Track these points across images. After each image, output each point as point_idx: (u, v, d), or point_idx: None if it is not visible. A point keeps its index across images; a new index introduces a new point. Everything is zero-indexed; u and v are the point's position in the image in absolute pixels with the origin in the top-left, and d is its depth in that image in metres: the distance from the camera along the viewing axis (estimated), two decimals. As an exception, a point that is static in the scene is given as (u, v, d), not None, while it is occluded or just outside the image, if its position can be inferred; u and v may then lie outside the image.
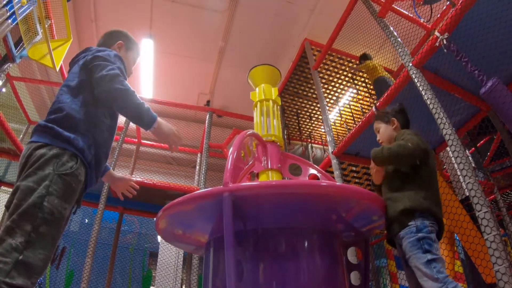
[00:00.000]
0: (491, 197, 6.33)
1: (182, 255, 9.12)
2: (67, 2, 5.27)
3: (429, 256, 2.00)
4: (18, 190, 1.59)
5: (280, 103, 3.39)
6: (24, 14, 4.35)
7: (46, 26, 5.16)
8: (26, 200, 1.54)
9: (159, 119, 2.03)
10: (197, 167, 7.36)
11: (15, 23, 4.15)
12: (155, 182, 5.73)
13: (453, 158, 2.99)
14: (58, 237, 1.65)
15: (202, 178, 5.92)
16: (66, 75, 6.24)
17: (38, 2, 4.35)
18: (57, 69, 5.40)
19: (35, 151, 1.71)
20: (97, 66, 1.97)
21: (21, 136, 6.24)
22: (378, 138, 2.74)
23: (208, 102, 10.21)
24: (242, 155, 2.64)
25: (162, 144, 7.35)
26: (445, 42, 3.23)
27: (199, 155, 7.50)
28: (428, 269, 1.97)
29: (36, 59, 4.98)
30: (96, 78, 1.93)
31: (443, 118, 3.13)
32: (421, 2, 4.83)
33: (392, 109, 2.72)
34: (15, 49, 4.50)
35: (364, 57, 6.08)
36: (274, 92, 3.35)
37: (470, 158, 6.79)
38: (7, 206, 1.65)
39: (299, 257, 2.13)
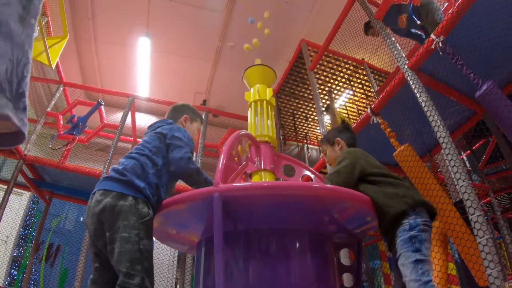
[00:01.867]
0: (486, 200, 6.35)
1: (177, 254, 9.11)
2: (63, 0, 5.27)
3: (418, 256, 1.98)
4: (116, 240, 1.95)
5: (274, 104, 3.38)
6: (20, 11, 4.31)
7: (43, 23, 5.15)
8: (126, 248, 1.92)
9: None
10: (192, 167, 7.33)
11: (11, 20, 4.12)
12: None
13: (447, 161, 2.98)
14: (153, 264, 2.05)
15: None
16: (62, 73, 6.30)
17: (34, -1, 4.32)
18: (53, 66, 5.39)
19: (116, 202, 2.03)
20: (175, 146, 2.39)
21: (16, 133, 6.20)
22: (326, 161, 2.85)
23: (204, 101, 10.21)
24: (234, 155, 2.63)
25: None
26: (440, 44, 3.23)
27: (194, 154, 7.48)
28: (413, 269, 1.95)
29: (33, 57, 4.95)
30: (175, 158, 2.33)
31: (438, 120, 3.13)
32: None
33: (335, 130, 2.80)
34: (11, 46, 4.46)
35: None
36: (268, 92, 3.33)
37: (466, 161, 6.82)
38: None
39: (289, 258, 2.12)
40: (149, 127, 2.70)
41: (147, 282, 1.91)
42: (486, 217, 6.43)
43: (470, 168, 6.83)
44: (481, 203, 6.08)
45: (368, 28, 5.52)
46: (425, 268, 1.94)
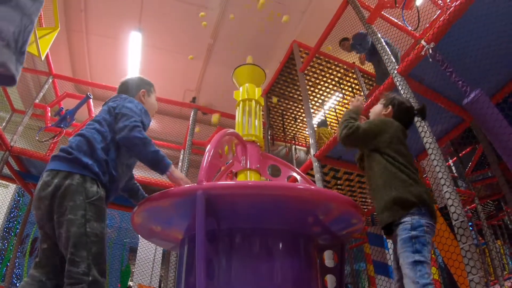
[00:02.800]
0: (472, 206, 6.41)
1: (161, 251, 9.08)
2: (57, -10, 5.22)
3: (417, 257, 1.93)
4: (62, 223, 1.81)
5: (263, 104, 3.38)
6: (12, 0, 4.28)
7: (35, 13, 5.09)
8: (71, 231, 1.79)
9: (172, 166, 2.28)
10: (180, 164, 7.33)
11: (1, 8, 4.08)
12: (137, 176, 5.67)
13: (433, 167, 3.00)
14: (106, 250, 1.89)
15: (184, 175, 5.88)
16: (51, 64, 6.24)
17: (26, -12, 4.28)
18: (43, 57, 5.33)
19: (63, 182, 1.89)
20: (122, 115, 2.21)
21: (4, 124, 6.15)
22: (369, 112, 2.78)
23: (194, 99, 10.18)
24: (220, 154, 2.62)
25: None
26: (431, 51, 3.25)
27: (182, 151, 7.46)
28: (411, 270, 1.91)
29: (24, 44, 4.90)
30: (119, 127, 2.15)
31: (425, 126, 3.15)
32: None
33: (398, 101, 2.64)
34: (2, 35, 4.42)
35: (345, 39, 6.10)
36: (257, 92, 3.33)
37: (452, 167, 6.88)
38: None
39: (271, 258, 2.13)
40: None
41: (94, 270, 1.75)
42: (470, 223, 6.53)
43: (456, 175, 6.89)
44: (466, 209, 6.15)
45: (342, 41, 5.72)
46: (424, 271, 1.89)
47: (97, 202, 1.91)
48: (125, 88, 2.66)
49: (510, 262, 9.11)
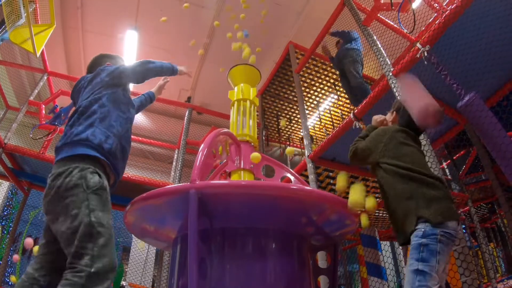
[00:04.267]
0: (465, 209, 6.42)
1: (155, 251, 9.06)
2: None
3: (420, 266, 1.82)
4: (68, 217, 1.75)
5: (257, 104, 3.38)
6: (8, -4, 4.28)
7: (30, 10, 5.08)
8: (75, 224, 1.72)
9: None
10: (174, 163, 7.33)
11: (-1, 4, 4.09)
12: (130, 175, 5.66)
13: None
14: (113, 241, 1.81)
15: (178, 174, 5.89)
16: (47, 61, 6.21)
17: (23, -16, 4.29)
18: (38, 54, 5.30)
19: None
20: (115, 69, 2.41)
21: (-2, 120, 6.13)
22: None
23: (189, 98, 10.16)
24: (214, 153, 2.62)
25: (139, 138, 7.35)
26: (426, 54, 3.26)
27: (176, 151, 7.46)
28: (411, 279, 1.82)
29: (18, 43, 4.90)
30: (121, 72, 2.41)
31: (419, 128, 3.15)
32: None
33: (402, 105, 2.57)
34: (-3, 31, 4.43)
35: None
36: (252, 92, 3.33)
37: (446, 170, 6.90)
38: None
39: (264, 258, 2.13)
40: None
41: (99, 263, 1.64)
42: (464, 226, 6.55)
43: (450, 177, 6.91)
44: (460, 211, 6.16)
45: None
46: (423, 282, 1.79)
47: (99, 192, 1.85)
48: (94, 65, 2.73)
49: (503, 265, 9.15)
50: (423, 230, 1.91)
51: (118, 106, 2.25)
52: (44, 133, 5.76)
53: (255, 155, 2.73)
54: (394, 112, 2.61)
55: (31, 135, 5.57)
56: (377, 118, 2.68)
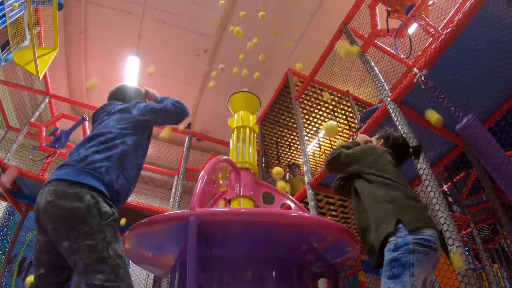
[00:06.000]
0: (467, 231, 6.38)
1: (152, 277, 8.95)
2: (58, 11, 5.28)
3: (391, 285, 1.69)
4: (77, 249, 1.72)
5: (257, 131, 3.39)
6: (14, 18, 4.36)
7: (35, 32, 5.17)
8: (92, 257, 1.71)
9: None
10: (173, 189, 7.32)
11: (4, 25, 4.15)
12: (129, 201, 5.65)
13: (427, 193, 3.00)
14: (128, 267, 1.83)
15: (177, 201, 5.87)
16: (49, 84, 6.27)
17: (29, 7, 4.36)
18: (41, 77, 5.36)
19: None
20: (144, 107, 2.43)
21: (-1, 140, 6.16)
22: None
23: (189, 125, 10.19)
24: (214, 180, 2.62)
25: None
26: (423, 78, 3.29)
27: (176, 177, 7.46)
28: None
29: (21, 65, 4.97)
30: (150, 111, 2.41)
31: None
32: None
33: (394, 136, 2.58)
34: (1, 51, 4.48)
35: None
36: (252, 119, 3.35)
37: (447, 192, 6.87)
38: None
39: (264, 286, 2.11)
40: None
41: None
42: (466, 248, 6.49)
43: (451, 200, 6.89)
44: (462, 234, 6.12)
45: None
46: None
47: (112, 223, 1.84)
48: (122, 94, 2.82)
49: (507, 285, 9.03)
50: (394, 242, 1.79)
51: (136, 150, 2.24)
52: (44, 155, 5.78)
53: (278, 170, 2.74)
54: (382, 140, 2.59)
55: (30, 157, 5.58)
56: (364, 137, 2.70)
